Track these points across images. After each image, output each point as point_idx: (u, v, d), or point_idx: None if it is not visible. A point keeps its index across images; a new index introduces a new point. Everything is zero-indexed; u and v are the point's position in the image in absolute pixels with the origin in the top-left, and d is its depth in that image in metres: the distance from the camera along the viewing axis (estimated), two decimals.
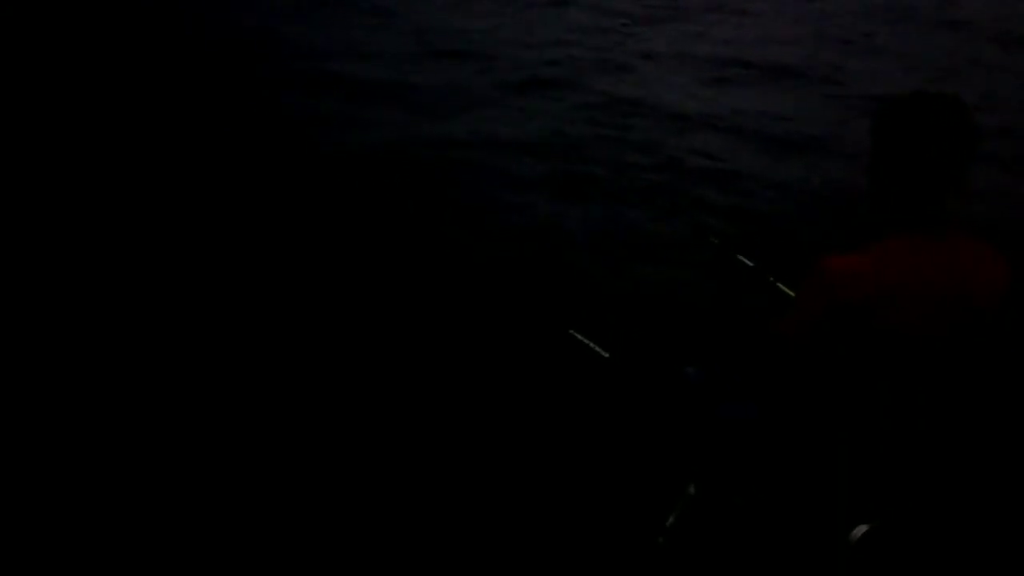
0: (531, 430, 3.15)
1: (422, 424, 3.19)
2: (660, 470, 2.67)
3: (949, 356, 1.67)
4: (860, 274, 1.62)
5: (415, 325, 3.93)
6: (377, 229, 5.19)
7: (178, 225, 5.12)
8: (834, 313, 1.63)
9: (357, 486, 2.90)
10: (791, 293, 2.85)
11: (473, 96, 8.70)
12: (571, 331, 2.07)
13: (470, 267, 4.69)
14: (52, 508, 2.77)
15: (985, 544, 1.78)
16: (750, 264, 3.04)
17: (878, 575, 1.72)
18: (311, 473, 2.97)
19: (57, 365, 3.52)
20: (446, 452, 3.05)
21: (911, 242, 1.68)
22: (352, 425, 3.21)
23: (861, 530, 1.70)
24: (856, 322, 1.62)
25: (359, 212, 5.54)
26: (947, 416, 1.70)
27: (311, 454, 3.05)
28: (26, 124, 6.61)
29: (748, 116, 8.38)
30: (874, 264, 1.64)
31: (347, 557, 2.64)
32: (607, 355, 2.03)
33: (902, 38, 12.36)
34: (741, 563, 2.04)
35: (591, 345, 2.03)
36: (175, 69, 8.71)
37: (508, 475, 2.94)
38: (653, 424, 2.92)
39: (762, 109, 8.59)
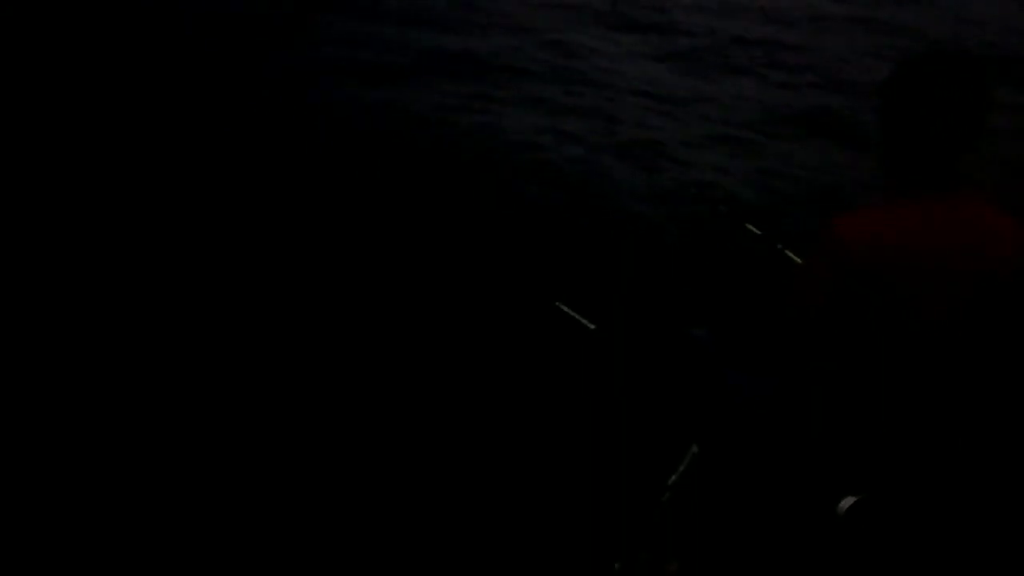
0: (525, 399, 3.13)
1: (412, 403, 3.17)
2: (663, 430, 2.67)
3: (962, 319, 1.62)
4: (871, 233, 1.58)
5: (401, 295, 3.88)
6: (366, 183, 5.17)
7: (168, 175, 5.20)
8: (845, 274, 1.59)
9: (349, 460, 2.89)
10: (800, 260, 2.82)
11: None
12: (558, 303, 2.06)
13: (460, 217, 4.66)
14: (52, 508, 2.79)
15: (979, 521, 1.74)
16: (758, 232, 3.01)
17: (866, 546, 1.68)
18: (302, 452, 2.96)
19: (57, 365, 3.52)
20: (440, 427, 3.05)
21: (922, 202, 1.64)
22: (340, 399, 3.19)
23: (849, 502, 1.67)
24: (867, 283, 1.58)
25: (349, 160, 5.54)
26: (954, 388, 1.66)
27: (301, 426, 3.05)
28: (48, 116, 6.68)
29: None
30: (885, 223, 1.60)
31: (344, 543, 2.64)
32: (593, 327, 2.01)
33: None
34: (741, 521, 2.01)
35: (577, 317, 2.01)
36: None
37: (506, 445, 2.94)
38: (651, 388, 2.90)
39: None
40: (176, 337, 3.76)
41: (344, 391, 3.23)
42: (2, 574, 2.57)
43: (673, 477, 2.15)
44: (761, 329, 1.80)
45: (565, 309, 2.04)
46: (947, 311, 1.61)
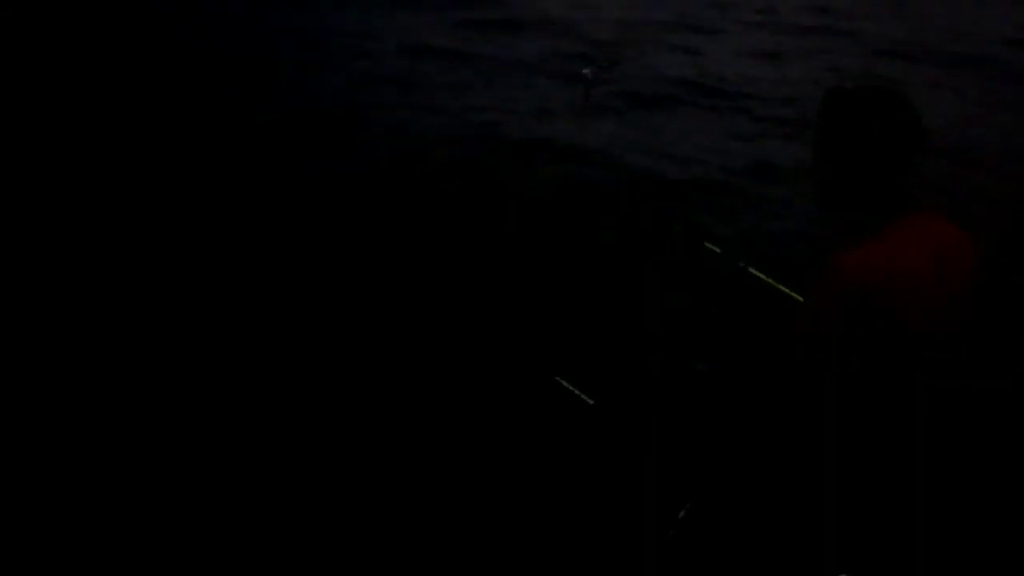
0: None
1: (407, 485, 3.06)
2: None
3: (947, 327, 1.75)
4: (873, 266, 1.68)
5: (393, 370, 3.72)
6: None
7: (172, 211, 5.15)
8: (856, 307, 1.67)
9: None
10: (764, 278, 2.91)
11: None
12: (557, 378, 2.18)
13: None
14: (52, 508, 2.81)
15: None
16: (718, 250, 2.96)
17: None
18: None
19: (57, 366, 3.55)
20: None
21: (900, 228, 1.77)
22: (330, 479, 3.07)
23: None
24: (877, 312, 1.67)
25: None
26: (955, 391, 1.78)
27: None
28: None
29: None
30: (881, 255, 1.71)
31: None
32: (592, 402, 2.14)
33: None
34: (746, 559, 2.08)
35: (576, 392, 2.14)
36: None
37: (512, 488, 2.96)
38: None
39: None
40: (177, 342, 3.82)
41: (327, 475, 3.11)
42: (2, 574, 2.59)
43: (682, 512, 2.20)
44: (765, 365, 1.88)
45: (565, 384, 2.16)
46: (937, 323, 1.75)
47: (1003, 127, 8.53)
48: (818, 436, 1.82)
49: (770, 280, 2.91)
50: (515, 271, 4.76)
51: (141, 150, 6.22)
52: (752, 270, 2.83)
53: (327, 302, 4.29)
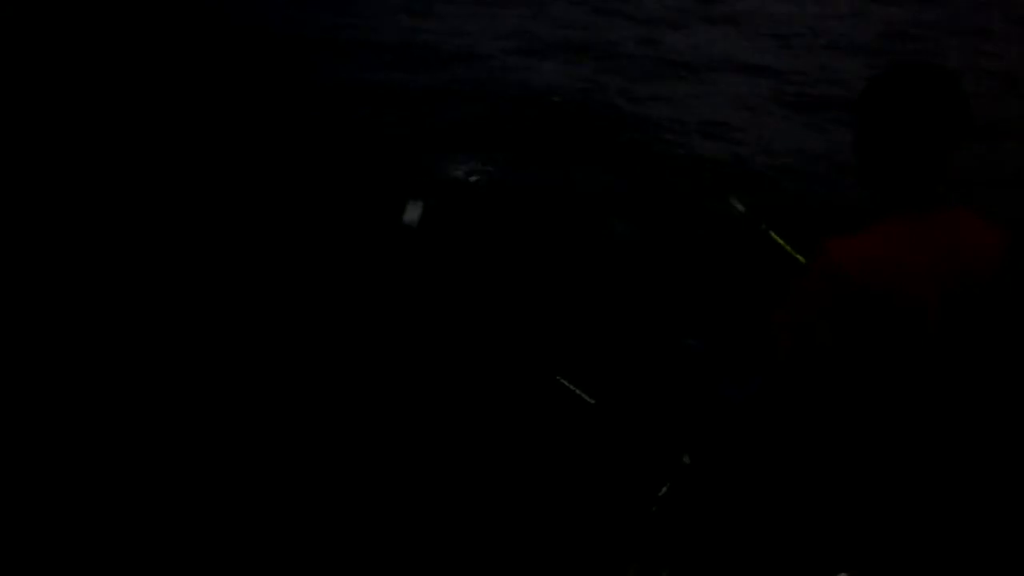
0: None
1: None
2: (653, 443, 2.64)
3: (953, 331, 1.68)
4: (866, 256, 1.63)
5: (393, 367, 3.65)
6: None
7: (170, 207, 5.12)
8: (842, 295, 1.63)
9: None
10: (783, 244, 2.85)
11: None
12: (558, 377, 2.19)
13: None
14: (52, 508, 2.82)
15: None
16: (742, 208, 2.94)
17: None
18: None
19: (56, 366, 3.56)
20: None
21: (909, 221, 1.68)
22: (331, 472, 3.05)
23: None
24: (864, 304, 1.62)
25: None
26: (949, 394, 1.72)
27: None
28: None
29: None
30: (877, 246, 1.64)
31: None
32: (593, 401, 2.15)
33: None
34: (731, 529, 2.06)
35: (578, 392, 2.15)
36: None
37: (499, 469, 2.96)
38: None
39: None
40: (178, 340, 3.82)
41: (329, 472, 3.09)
42: (2, 574, 2.61)
43: (663, 488, 2.22)
44: (753, 340, 1.85)
45: (566, 383, 2.17)
46: (938, 325, 1.66)
47: None
48: (802, 421, 1.80)
49: (788, 247, 2.84)
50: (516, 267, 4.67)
51: (141, 143, 6.17)
52: (773, 234, 2.77)
53: (325, 300, 4.23)
